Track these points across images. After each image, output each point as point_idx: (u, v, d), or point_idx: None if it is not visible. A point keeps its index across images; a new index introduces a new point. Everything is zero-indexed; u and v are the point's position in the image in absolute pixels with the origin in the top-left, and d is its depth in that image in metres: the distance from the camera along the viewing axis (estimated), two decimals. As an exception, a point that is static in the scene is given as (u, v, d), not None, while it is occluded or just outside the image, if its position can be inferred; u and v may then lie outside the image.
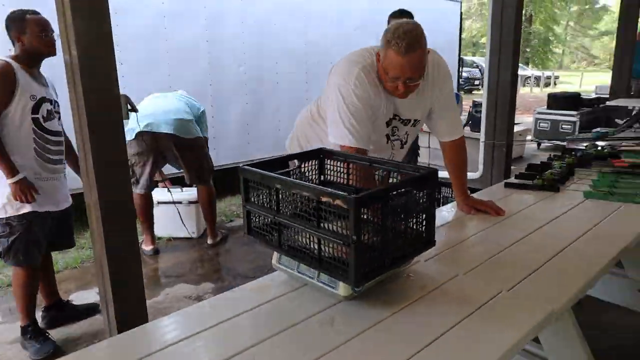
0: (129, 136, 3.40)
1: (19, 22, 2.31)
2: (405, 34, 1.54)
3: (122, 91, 1.87)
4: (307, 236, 1.18)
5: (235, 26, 4.99)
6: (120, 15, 3.84)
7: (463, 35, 12.85)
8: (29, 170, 2.33)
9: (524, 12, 4.05)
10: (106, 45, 1.78)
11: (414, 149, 4.00)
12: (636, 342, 2.36)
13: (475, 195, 2.07)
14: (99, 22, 1.74)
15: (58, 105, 2.50)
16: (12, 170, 2.26)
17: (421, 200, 1.20)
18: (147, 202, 3.63)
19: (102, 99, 1.77)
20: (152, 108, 3.54)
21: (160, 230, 3.88)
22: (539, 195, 2.09)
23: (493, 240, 1.63)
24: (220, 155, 4.84)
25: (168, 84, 4.31)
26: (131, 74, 3.95)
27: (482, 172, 4.43)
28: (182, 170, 3.75)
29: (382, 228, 1.12)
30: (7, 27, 2.34)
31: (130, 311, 1.91)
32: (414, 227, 1.22)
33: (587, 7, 34.35)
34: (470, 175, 4.83)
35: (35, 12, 2.35)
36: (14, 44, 2.36)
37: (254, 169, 1.30)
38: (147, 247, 3.63)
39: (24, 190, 2.27)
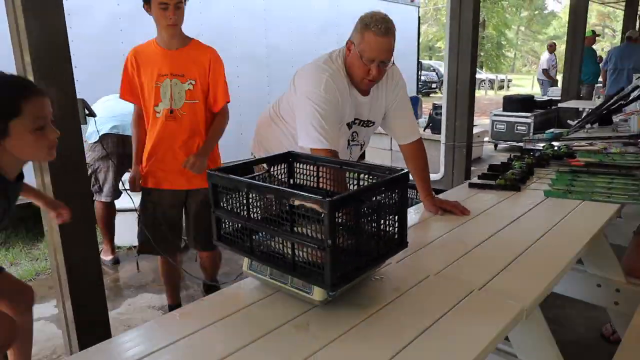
0: (92, 139, 3.27)
1: None
2: (383, 19, 1.69)
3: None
4: (280, 241, 1.16)
5: (193, 28, 4.85)
6: (73, 16, 3.69)
7: (420, 39, 13.10)
8: None
9: (478, 17, 4.17)
10: (61, 49, 1.71)
11: None
12: (595, 334, 2.45)
13: (440, 196, 2.10)
14: (53, 23, 1.67)
15: None
16: None
17: (393, 202, 1.20)
18: (110, 211, 3.48)
19: (58, 103, 1.68)
20: (115, 110, 3.39)
21: (119, 238, 3.74)
22: (501, 194, 2.14)
23: (461, 240, 1.65)
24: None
25: (125, 88, 4.18)
26: (85, 77, 3.80)
27: (443, 173, 4.52)
28: None
29: (356, 230, 1.11)
30: None
31: (92, 325, 1.82)
32: (387, 228, 1.21)
33: (536, 12, 35.88)
34: (432, 176, 4.90)
35: None
36: None
37: (223, 174, 1.26)
38: (106, 257, 3.49)
39: None
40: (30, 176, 1.91)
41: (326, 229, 1.02)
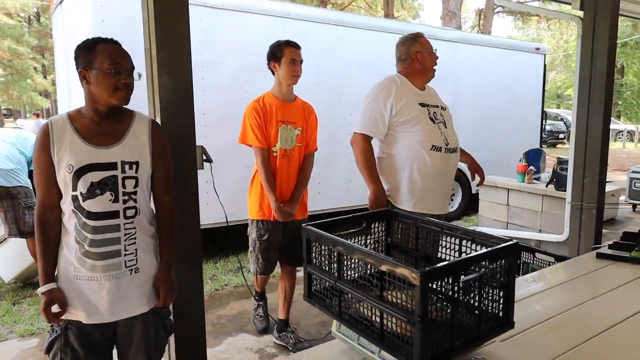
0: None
1: None
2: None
3: (204, 141, 1.96)
4: (369, 307, 1.09)
5: (309, 76, 5.12)
6: (206, 68, 4.14)
7: (547, 87, 12.36)
8: None
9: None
10: (186, 99, 1.89)
11: None
12: None
13: (561, 264, 1.87)
14: (181, 81, 1.86)
15: None
16: None
17: (499, 276, 1.07)
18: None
19: (179, 149, 1.84)
20: None
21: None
22: (638, 270, 1.84)
23: (583, 321, 1.43)
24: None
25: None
26: (213, 121, 4.20)
27: (567, 235, 4.08)
28: None
29: (453, 305, 1.00)
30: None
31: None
32: (490, 305, 1.08)
33: (686, 58, 31.99)
34: (555, 237, 4.46)
35: None
36: None
37: (316, 229, 1.24)
38: None
39: None
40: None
41: (417, 302, 0.94)
